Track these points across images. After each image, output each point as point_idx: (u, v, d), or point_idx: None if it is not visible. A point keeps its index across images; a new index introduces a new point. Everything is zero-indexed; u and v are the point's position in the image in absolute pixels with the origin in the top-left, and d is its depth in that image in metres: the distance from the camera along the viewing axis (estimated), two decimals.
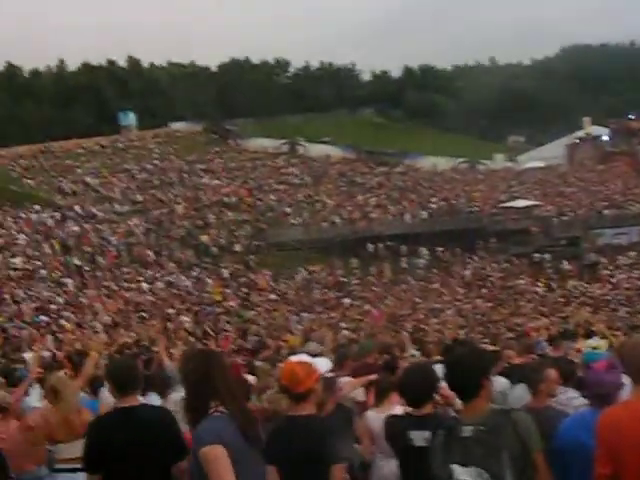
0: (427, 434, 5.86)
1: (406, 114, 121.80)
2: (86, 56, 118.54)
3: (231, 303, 40.97)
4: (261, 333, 29.11)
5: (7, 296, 35.46)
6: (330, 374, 7.34)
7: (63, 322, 31.44)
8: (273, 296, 44.13)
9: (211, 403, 5.09)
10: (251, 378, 11.41)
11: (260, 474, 5.19)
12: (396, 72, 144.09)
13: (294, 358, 6.32)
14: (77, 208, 55.26)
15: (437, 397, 6.75)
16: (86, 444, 5.93)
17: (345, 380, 9.12)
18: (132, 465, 5.63)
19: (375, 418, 7.53)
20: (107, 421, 5.98)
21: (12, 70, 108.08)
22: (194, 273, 47.22)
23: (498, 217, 62.53)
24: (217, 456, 4.82)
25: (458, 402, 6.99)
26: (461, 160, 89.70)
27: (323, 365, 6.70)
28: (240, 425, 5.03)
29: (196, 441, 4.99)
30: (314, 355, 7.98)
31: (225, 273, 48.73)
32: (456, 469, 4.76)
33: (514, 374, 9.78)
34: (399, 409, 7.15)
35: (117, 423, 5.83)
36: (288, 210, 64.19)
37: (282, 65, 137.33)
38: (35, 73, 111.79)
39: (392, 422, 6.57)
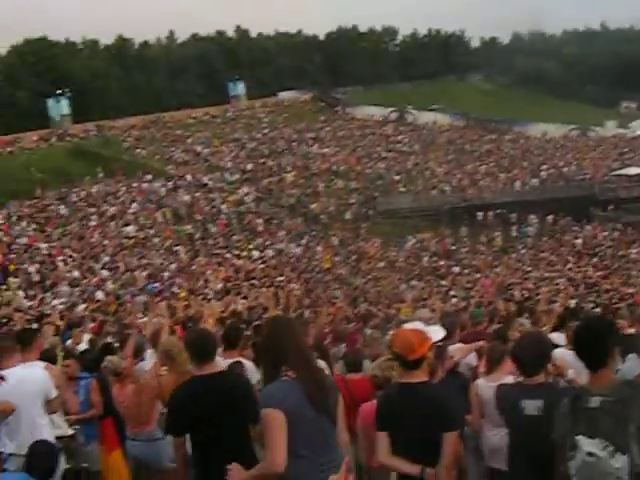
0: (540, 403, 5.84)
1: (515, 81, 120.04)
2: (195, 27, 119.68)
3: (340, 271, 41.12)
4: (371, 301, 29.16)
5: (120, 264, 36.25)
6: (440, 342, 7.35)
7: (175, 289, 32.07)
8: (382, 264, 44.07)
9: (282, 368, 5.26)
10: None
11: (325, 439, 5.27)
12: (505, 38, 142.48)
13: (408, 326, 6.37)
14: (188, 177, 56.07)
15: (549, 367, 6.69)
16: (169, 410, 6.37)
17: (455, 347, 9.13)
18: (212, 428, 5.91)
19: (485, 387, 7.49)
20: (187, 389, 6.21)
21: (122, 43, 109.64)
22: (303, 241, 47.48)
23: (609, 185, 61.22)
24: (274, 418, 5.02)
25: (570, 372, 6.95)
26: (572, 127, 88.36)
27: (436, 333, 6.72)
28: (307, 391, 5.16)
29: (260, 403, 5.19)
30: (427, 323, 8.02)
31: (335, 241, 48.91)
32: (582, 440, 4.69)
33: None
34: (509, 378, 7.13)
35: (196, 391, 6.11)
36: (397, 178, 64.09)
37: (390, 33, 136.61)
38: (145, 45, 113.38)
39: (504, 391, 6.47)
